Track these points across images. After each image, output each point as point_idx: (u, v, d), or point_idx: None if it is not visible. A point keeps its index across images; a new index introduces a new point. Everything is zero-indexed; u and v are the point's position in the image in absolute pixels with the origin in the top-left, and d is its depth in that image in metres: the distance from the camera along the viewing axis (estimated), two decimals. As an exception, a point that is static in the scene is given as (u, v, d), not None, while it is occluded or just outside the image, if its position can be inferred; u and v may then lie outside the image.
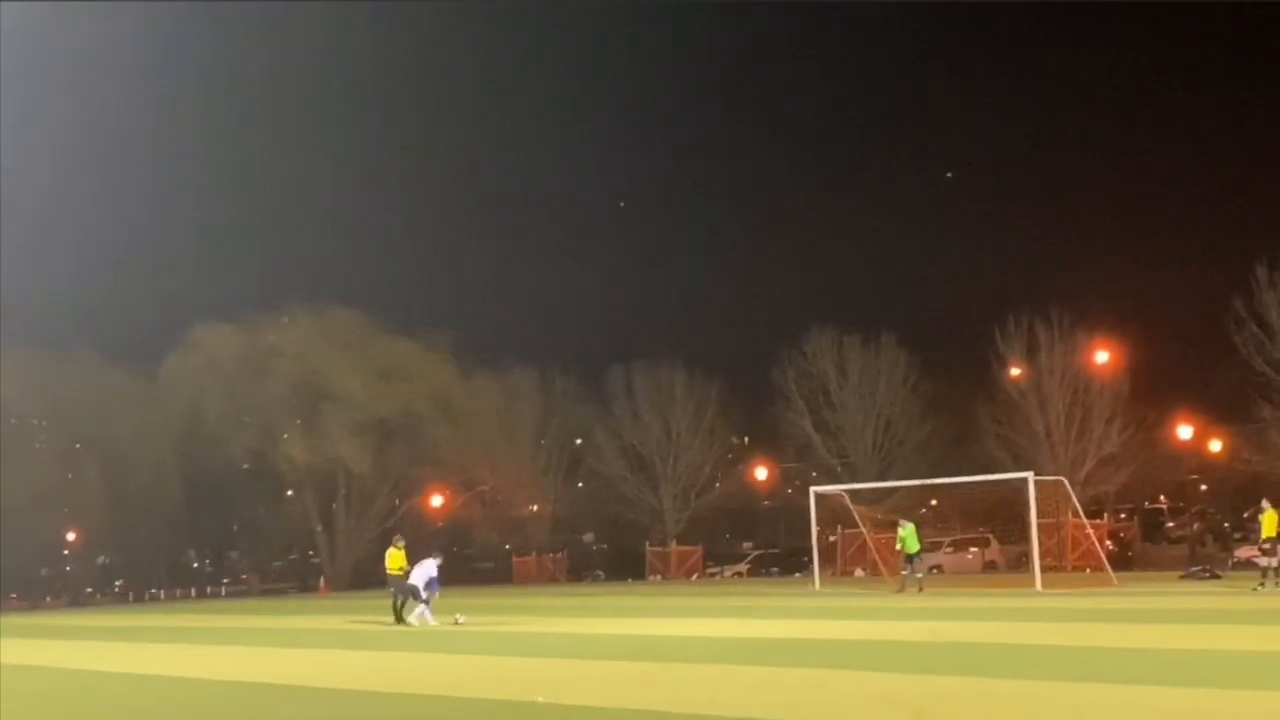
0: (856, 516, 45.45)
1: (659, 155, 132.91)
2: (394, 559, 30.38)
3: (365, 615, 31.40)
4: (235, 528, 77.09)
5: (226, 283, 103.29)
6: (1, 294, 59.92)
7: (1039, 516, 37.77)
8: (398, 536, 32.33)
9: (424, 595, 27.98)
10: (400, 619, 28.86)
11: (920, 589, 34.59)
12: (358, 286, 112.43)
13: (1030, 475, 37.37)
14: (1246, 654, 15.37)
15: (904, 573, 36.51)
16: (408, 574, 29.10)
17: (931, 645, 18.19)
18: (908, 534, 35.89)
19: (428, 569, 28.43)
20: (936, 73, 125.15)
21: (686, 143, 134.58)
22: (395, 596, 29.45)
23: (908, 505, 55.04)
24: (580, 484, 68.76)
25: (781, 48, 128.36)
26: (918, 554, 36.10)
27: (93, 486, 62.70)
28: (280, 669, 18.88)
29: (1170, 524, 57.85)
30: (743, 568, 59.10)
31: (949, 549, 52.85)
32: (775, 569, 57.90)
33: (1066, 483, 40.68)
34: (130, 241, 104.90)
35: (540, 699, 13.32)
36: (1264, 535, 31.80)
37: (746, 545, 68.39)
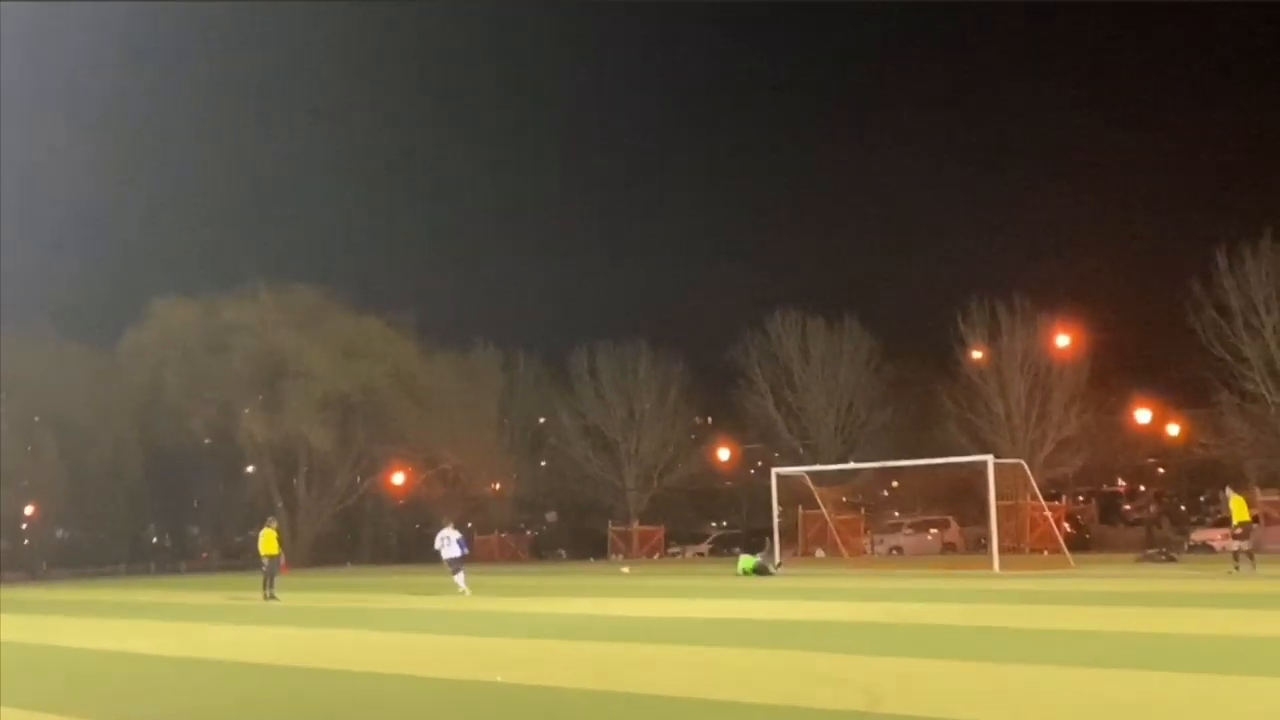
0: (818, 498, 45.70)
1: (625, 136, 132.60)
2: (268, 540, 31.42)
3: (325, 593, 31.31)
4: (196, 503, 76.57)
5: (186, 258, 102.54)
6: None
7: (998, 499, 38.11)
8: (271, 517, 33.56)
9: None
10: (271, 595, 30.18)
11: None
12: (320, 263, 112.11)
13: (990, 458, 37.72)
14: (1204, 638, 15.52)
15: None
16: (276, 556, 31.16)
17: (888, 626, 18.30)
18: None
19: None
20: (906, 58, 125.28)
21: (652, 124, 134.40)
22: (265, 575, 30.89)
23: (869, 487, 55.44)
24: (543, 463, 68.78)
25: (750, 33, 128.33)
26: None
27: (51, 461, 62.12)
28: (235, 645, 18.79)
29: (1128, 506, 58.35)
30: (705, 548, 59.24)
31: (909, 530, 53.22)
32: (737, 549, 58.04)
33: (1025, 465, 40.98)
34: (87, 216, 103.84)
35: (499, 678, 13.33)
36: (1235, 520, 32.15)
37: (713, 525, 68.49)
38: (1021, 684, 11.79)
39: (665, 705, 11.07)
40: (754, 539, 44.34)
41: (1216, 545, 41.15)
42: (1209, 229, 53.37)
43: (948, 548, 50.75)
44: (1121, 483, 63.97)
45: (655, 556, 57.29)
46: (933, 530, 52.92)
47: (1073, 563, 36.49)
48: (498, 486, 67.17)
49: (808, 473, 45.39)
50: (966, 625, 18.04)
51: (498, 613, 24.22)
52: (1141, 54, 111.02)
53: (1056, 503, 48.05)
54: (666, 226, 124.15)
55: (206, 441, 67.63)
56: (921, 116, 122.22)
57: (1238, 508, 31.92)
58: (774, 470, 44.00)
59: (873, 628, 18.09)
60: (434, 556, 32.20)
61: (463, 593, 29.32)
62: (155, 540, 79.64)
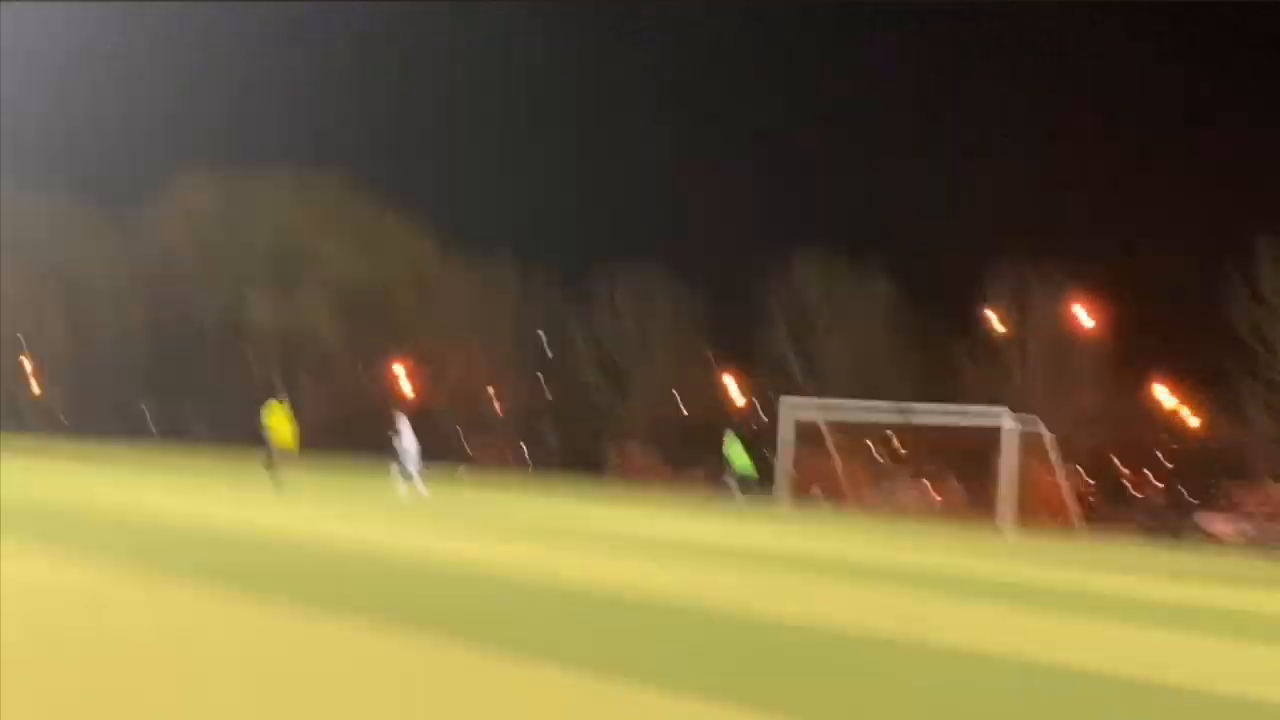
0: (828, 440, 44.39)
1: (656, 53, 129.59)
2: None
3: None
4: (196, 383, 75.71)
5: (209, 129, 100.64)
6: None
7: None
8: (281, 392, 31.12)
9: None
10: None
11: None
12: (343, 151, 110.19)
13: (1017, 427, 36.91)
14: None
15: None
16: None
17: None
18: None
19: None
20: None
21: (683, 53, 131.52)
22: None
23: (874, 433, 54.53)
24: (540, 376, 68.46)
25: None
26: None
27: (53, 319, 61.61)
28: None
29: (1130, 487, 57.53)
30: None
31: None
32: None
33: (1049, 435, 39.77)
34: (110, 77, 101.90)
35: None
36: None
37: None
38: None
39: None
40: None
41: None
42: (1248, 217, 51.74)
43: (936, 504, 50.19)
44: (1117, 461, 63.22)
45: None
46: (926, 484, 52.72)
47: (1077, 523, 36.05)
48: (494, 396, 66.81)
49: (826, 421, 43.38)
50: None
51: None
52: (1183, 27, 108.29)
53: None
54: (681, 145, 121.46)
55: (213, 321, 66.93)
56: (958, 71, 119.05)
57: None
58: (783, 399, 42.87)
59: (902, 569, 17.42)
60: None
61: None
62: (148, 413, 78.85)
